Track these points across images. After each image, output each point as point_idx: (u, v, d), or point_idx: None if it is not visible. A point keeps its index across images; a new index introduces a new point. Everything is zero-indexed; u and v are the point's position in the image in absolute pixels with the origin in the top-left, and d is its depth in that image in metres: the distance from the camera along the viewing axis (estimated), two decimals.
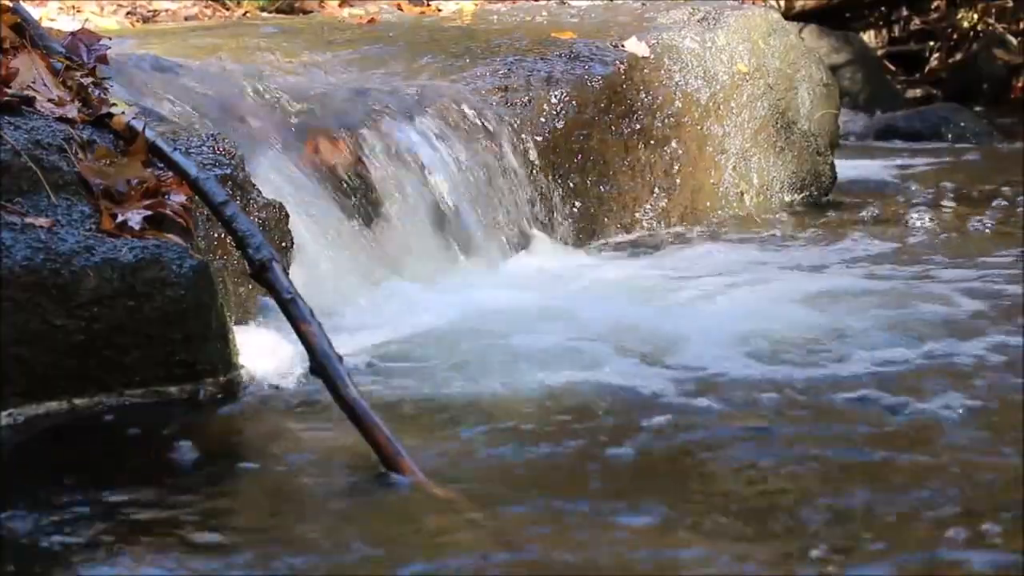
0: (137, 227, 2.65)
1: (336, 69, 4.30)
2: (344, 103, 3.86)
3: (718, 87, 4.71)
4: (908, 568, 1.83)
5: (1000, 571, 1.81)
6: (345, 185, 3.64)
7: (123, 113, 2.93)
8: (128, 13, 7.03)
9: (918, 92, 9.31)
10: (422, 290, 3.54)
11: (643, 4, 5.21)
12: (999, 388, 2.65)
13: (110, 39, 3.34)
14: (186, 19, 7.04)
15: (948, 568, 1.83)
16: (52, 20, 6.08)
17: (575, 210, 4.25)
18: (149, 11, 7.11)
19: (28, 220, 2.57)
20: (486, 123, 4.05)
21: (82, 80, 3.02)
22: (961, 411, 2.47)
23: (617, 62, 4.47)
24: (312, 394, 2.59)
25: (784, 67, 4.99)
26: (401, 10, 5.80)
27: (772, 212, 4.77)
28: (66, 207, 2.65)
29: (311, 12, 7.18)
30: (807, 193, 4.99)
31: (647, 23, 4.82)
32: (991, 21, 9.50)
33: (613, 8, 5.33)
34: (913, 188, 5.44)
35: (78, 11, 6.74)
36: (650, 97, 4.52)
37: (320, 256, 3.39)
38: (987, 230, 4.44)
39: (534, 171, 4.13)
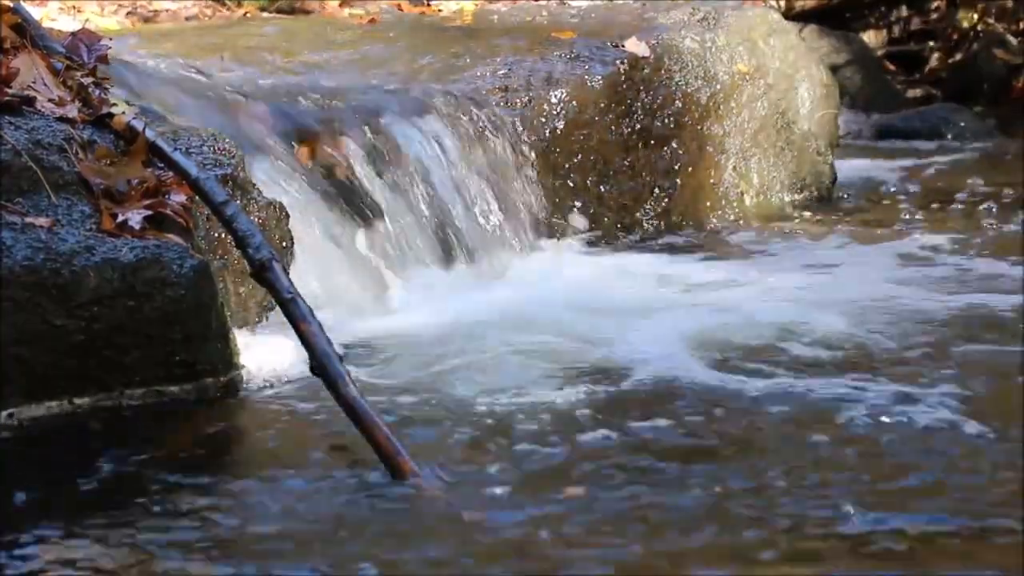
0: (137, 227, 2.65)
1: (336, 69, 4.30)
2: (344, 104, 3.86)
3: (718, 87, 4.71)
4: None
5: None
6: (344, 186, 3.64)
7: (123, 113, 2.93)
8: (128, 13, 7.03)
9: (918, 92, 9.29)
10: (420, 290, 3.54)
11: (643, 4, 5.21)
12: None
13: (110, 39, 3.34)
14: (187, 19, 7.04)
15: None
16: (52, 20, 6.08)
17: (575, 210, 4.25)
18: (150, 11, 7.11)
19: (28, 220, 2.57)
20: (486, 124, 4.05)
21: (82, 80, 3.02)
22: None
23: (617, 62, 4.47)
24: (312, 393, 2.59)
25: (784, 67, 4.99)
26: (401, 10, 5.80)
27: (772, 212, 4.77)
28: (66, 207, 2.65)
29: (311, 12, 7.18)
30: (807, 193, 4.99)
31: (647, 23, 4.82)
32: (991, 21, 9.49)
33: (613, 8, 5.33)
34: (913, 188, 5.44)
35: (78, 11, 6.74)
36: (650, 97, 4.52)
37: (319, 257, 3.40)
38: (988, 230, 4.44)
39: (534, 171, 4.13)
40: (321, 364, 2.41)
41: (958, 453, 2.29)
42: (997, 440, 2.33)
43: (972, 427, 2.38)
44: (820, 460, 2.27)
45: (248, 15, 7.09)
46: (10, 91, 2.83)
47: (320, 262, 3.38)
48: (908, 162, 6.44)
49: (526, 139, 4.13)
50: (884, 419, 2.43)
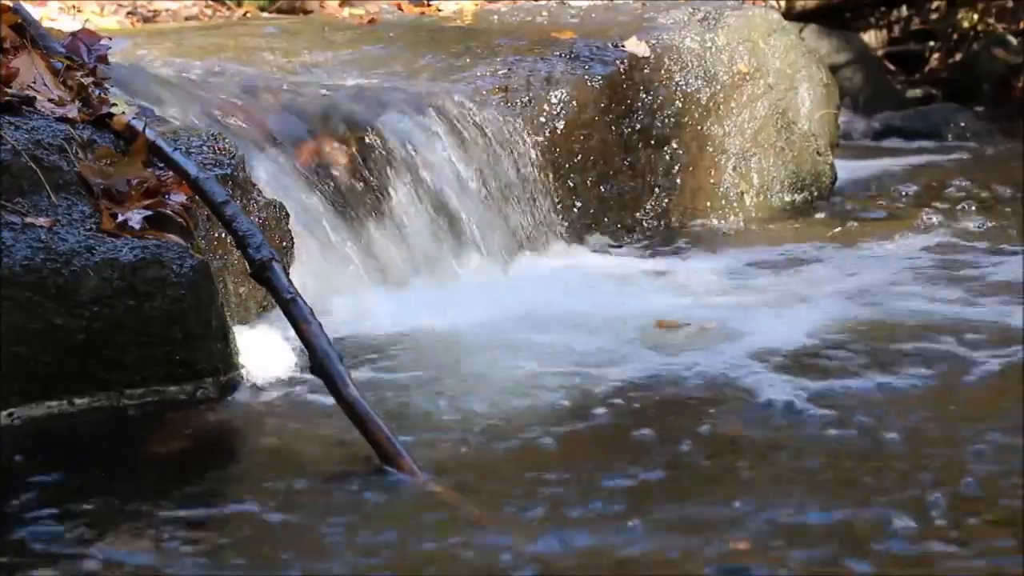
0: (137, 227, 2.65)
1: (336, 69, 4.30)
2: (344, 104, 3.87)
3: (718, 87, 4.71)
4: None
5: None
6: (345, 186, 3.64)
7: (123, 113, 2.93)
8: (128, 13, 7.04)
9: (918, 92, 9.30)
10: (420, 291, 3.54)
11: (643, 4, 5.21)
12: None
13: (110, 39, 3.34)
14: (187, 19, 7.05)
15: None
16: (52, 20, 6.08)
17: (575, 210, 4.25)
18: (150, 11, 7.11)
19: (28, 220, 2.57)
20: (486, 124, 4.05)
21: (82, 80, 3.03)
22: None
23: (617, 62, 4.47)
24: (312, 394, 2.60)
25: (784, 67, 5.00)
26: (401, 10, 5.80)
27: (772, 212, 4.77)
28: (66, 207, 2.66)
29: (311, 12, 7.18)
30: (807, 193, 4.99)
31: (647, 23, 4.82)
32: (991, 21, 9.50)
33: (613, 8, 5.33)
34: (913, 188, 5.44)
35: (78, 11, 6.74)
36: (650, 97, 4.52)
37: (320, 258, 3.40)
38: (988, 230, 4.43)
39: (534, 171, 4.13)
40: (321, 364, 2.41)
41: None
42: None
43: None
44: (862, 454, 2.28)
45: (248, 15, 7.10)
46: (10, 91, 2.83)
47: (319, 262, 3.38)
48: (908, 162, 6.44)
49: (526, 139, 4.13)
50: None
